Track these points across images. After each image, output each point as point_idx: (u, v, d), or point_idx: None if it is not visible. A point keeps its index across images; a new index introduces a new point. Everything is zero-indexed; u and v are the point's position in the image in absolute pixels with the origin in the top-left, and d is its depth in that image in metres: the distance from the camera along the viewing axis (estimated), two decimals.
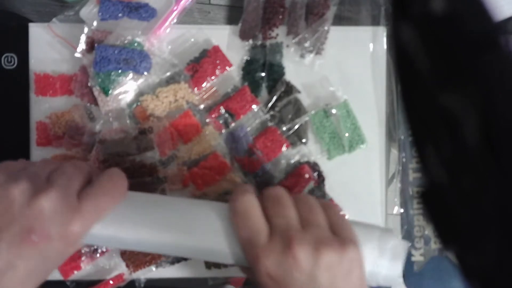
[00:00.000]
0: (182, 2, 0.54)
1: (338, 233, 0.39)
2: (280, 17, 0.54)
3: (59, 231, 0.36)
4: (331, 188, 0.54)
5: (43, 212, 0.35)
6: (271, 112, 0.54)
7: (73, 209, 0.36)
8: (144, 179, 0.52)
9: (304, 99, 0.55)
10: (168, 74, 0.53)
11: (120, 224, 0.40)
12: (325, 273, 0.37)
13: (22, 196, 0.35)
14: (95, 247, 0.52)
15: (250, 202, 0.40)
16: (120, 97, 0.52)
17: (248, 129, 0.53)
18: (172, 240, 0.41)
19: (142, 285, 0.53)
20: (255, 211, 0.39)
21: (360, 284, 0.39)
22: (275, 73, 0.55)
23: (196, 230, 0.41)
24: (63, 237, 0.36)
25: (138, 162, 0.51)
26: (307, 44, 0.54)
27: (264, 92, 0.55)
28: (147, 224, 0.41)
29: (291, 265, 0.37)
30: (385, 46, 0.56)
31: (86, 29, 0.52)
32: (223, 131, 0.54)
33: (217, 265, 0.53)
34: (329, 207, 0.41)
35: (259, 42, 0.54)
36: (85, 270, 0.53)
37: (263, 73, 0.54)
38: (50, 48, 0.54)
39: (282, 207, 0.39)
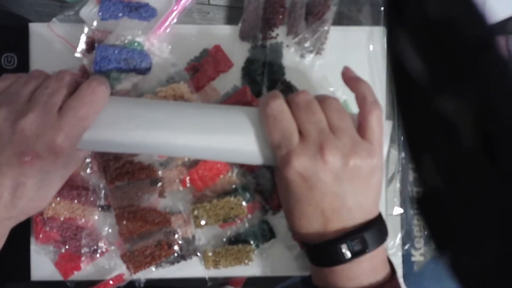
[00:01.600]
0: (182, 2, 0.54)
1: (366, 137, 0.42)
2: (280, 17, 0.54)
3: (46, 148, 0.39)
4: None
5: (26, 134, 0.39)
6: None
7: (53, 125, 0.39)
8: (142, 180, 0.52)
9: None
10: (168, 74, 0.53)
11: (139, 126, 0.43)
12: (350, 176, 0.41)
13: (5, 123, 0.39)
14: (95, 247, 0.52)
15: (281, 106, 0.43)
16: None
17: None
18: (200, 140, 0.43)
19: (142, 285, 0.53)
20: (286, 115, 0.42)
21: (377, 187, 0.44)
22: (275, 73, 0.55)
23: (225, 130, 0.44)
24: (52, 152, 0.39)
25: (136, 163, 0.51)
26: (307, 44, 0.54)
27: (264, 92, 0.55)
28: (173, 125, 0.43)
29: (320, 168, 0.41)
30: (385, 46, 0.56)
31: (86, 29, 0.52)
32: None
33: (217, 265, 0.53)
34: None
35: (259, 42, 0.54)
36: (85, 270, 0.53)
37: (263, 73, 0.54)
38: (50, 48, 0.54)
39: (312, 112, 0.42)
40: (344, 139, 0.41)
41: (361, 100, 0.43)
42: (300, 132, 0.42)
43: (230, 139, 0.43)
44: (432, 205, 0.23)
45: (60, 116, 0.40)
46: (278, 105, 0.42)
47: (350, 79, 0.45)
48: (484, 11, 0.21)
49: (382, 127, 0.43)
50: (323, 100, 0.43)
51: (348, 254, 0.41)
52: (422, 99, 0.22)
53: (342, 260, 0.41)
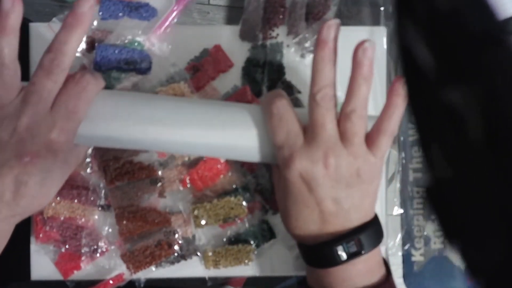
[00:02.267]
0: (182, 2, 0.54)
1: (372, 149, 0.42)
2: (281, 17, 0.54)
3: (43, 146, 0.40)
4: None
5: (22, 137, 0.39)
6: None
7: (46, 123, 0.40)
8: (142, 180, 0.52)
9: (305, 99, 0.54)
10: (168, 73, 0.53)
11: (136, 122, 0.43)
12: (349, 182, 0.41)
13: (1, 131, 0.39)
14: (95, 247, 0.52)
15: (286, 106, 0.42)
16: None
17: None
18: (199, 136, 0.43)
19: (142, 285, 0.53)
20: (291, 115, 0.42)
21: (375, 192, 0.44)
22: (275, 73, 0.55)
23: (224, 126, 0.43)
24: (49, 150, 0.40)
25: (136, 163, 0.51)
26: (307, 44, 0.54)
27: (264, 92, 0.55)
28: (172, 121, 0.43)
29: (322, 173, 0.41)
30: (385, 46, 0.56)
31: None
32: None
33: (217, 265, 0.53)
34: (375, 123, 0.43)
35: (259, 42, 0.54)
36: (85, 270, 0.53)
37: (263, 73, 0.54)
38: None
39: (330, 118, 0.41)
40: (350, 150, 0.41)
41: (386, 118, 0.42)
42: (307, 131, 0.42)
43: (229, 135, 0.43)
44: (441, 196, 0.23)
45: (52, 113, 0.40)
46: (284, 104, 0.42)
47: (395, 94, 0.43)
48: (492, 5, 0.21)
49: (389, 146, 0.43)
50: (353, 112, 0.41)
51: (344, 256, 0.41)
52: (431, 91, 0.22)
53: (337, 261, 0.42)
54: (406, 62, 0.23)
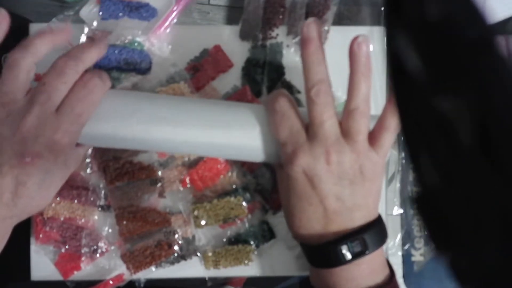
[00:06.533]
0: (182, 2, 0.54)
1: (374, 147, 0.42)
2: (280, 17, 0.54)
3: (46, 147, 0.39)
4: None
5: (25, 136, 0.39)
6: None
7: (51, 124, 0.40)
8: (142, 180, 0.52)
9: (304, 99, 0.54)
10: (168, 74, 0.53)
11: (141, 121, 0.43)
12: (352, 180, 0.41)
13: (4, 126, 0.39)
14: (95, 247, 0.52)
15: (289, 104, 0.43)
16: None
17: None
18: (202, 136, 0.43)
19: (142, 285, 0.53)
20: (294, 113, 0.42)
21: (378, 191, 0.44)
22: (275, 73, 0.55)
23: (228, 126, 0.43)
24: (52, 151, 0.40)
25: (136, 163, 0.51)
26: None
27: (264, 92, 0.55)
28: (180, 120, 0.43)
29: (324, 169, 0.41)
30: (385, 46, 0.56)
31: (86, 29, 0.52)
32: None
33: (217, 265, 0.53)
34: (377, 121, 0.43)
35: (259, 42, 0.54)
36: (85, 270, 0.53)
37: (263, 73, 0.54)
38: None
39: (329, 115, 0.41)
40: (353, 147, 0.41)
41: (390, 115, 0.42)
42: (308, 130, 0.42)
43: (233, 134, 0.43)
44: (431, 205, 0.23)
45: (58, 114, 0.40)
46: (287, 101, 0.42)
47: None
48: (483, 11, 0.21)
49: (391, 144, 0.43)
50: (355, 110, 0.41)
51: (348, 256, 0.41)
52: (421, 99, 0.22)
53: (342, 261, 0.41)
54: (395, 69, 0.22)
